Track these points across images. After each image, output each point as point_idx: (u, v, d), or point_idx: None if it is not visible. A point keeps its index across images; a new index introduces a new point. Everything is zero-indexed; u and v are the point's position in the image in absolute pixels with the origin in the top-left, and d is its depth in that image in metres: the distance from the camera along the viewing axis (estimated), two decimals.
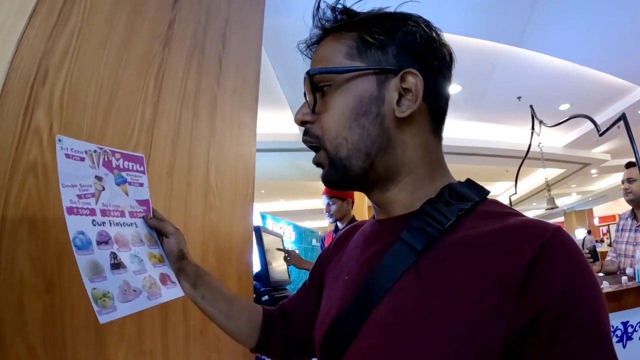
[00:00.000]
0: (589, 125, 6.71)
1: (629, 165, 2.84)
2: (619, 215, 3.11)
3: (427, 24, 0.61)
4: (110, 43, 0.97)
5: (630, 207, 2.90)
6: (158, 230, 0.80)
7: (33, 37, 0.79)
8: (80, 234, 0.64)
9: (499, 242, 0.48)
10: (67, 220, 0.63)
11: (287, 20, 3.42)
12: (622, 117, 2.65)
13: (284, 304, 0.87)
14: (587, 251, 2.95)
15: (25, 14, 0.78)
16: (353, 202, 2.87)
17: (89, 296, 0.60)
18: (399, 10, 0.63)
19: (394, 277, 0.53)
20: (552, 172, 9.44)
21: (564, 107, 6.37)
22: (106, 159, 0.74)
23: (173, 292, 0.76)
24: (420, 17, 0.62)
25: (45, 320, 0.76)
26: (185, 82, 1.26)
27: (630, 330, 2.05)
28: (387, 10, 0.62)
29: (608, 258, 2.98)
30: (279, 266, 2.49)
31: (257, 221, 3.65)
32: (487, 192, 0.59)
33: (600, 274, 2.79)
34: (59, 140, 0.66)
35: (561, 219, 18.02)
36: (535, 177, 10.65)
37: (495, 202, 0.58)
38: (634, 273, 2.54)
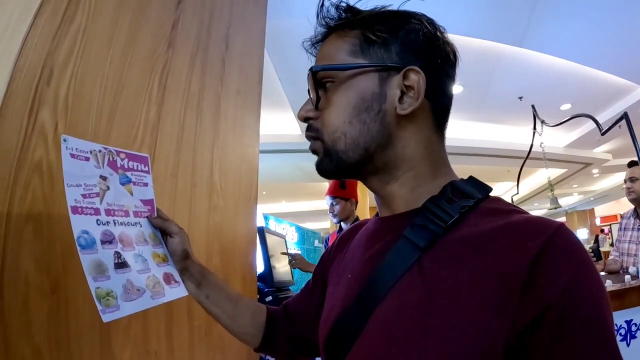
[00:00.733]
0: (590, 125, 6.71)
1: (632, 164, 2.84)
2: (621, 215, 3.10)
3: (431, 22, 0.61)
4: (115, 43, 0.97)
5: (632, 206, 2.89)
6: (162, 230, 0.80)
7: (38, 37, 0.78)
8: (85, 233, 0.65)
9: (502, 239, 0.48)
10: (72, 220, 0.63)
11: (289, 22, 3.42)
12: (624, 117, 2.65)
13: (287, 304, 0.87)
14: (591, 250, 2.94)
15: (30, 14, 0.78)
16: (357, 202, 2.87)
17: (93, 295, 0.60)
18: (402, 8, 0.63)
19: (396, 275, 0.53)
20: (553, 172, 9.43)
21: (566, 106, 6.36)
22: (111, 158, 0.74)
23: (177, 291, 0.76)
24: (423, 15, 0.62)
25: (50, 320, 0.76)
26: (189, 82, 1.25)
27: (634, 328, 2.05)
28: (390, 8, 0.62)
29: (611, 257, 2.97)
30: (282, 267, 2.49)
31: (260, 222, 3.65)
32: (490, 190, 0.59)
33: (603, 273, 2.79)
34: (64, 140, 0.66)
35: (563, 219, 17.97)
36: (537, 177, 10.64)
37: (498, 200, 0.58)
38: (637, 272, 2.54)
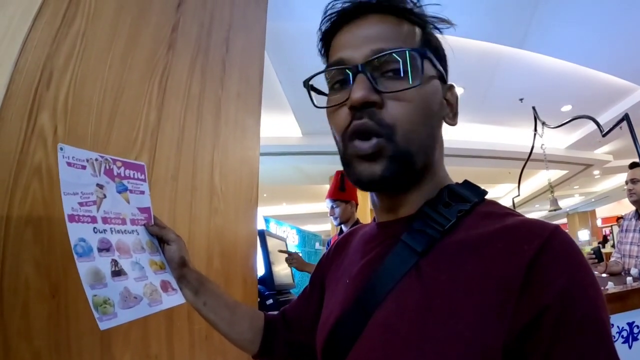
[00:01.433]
0: (591, 127, 6.71)
1: (633, 165, 2.84)
2: (622, 216, 3.10)
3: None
4: (115, 46, 0.97)
5: (633, 208, 2.89)
6: (159, 237, 0.80)
7: (37, 40, 0.78)
8: (82, 241, 0.65)
9: (498, 242, 0.48)
10: (69, 228, 0.63)
11: (289, 24, 3.43)
12: (625, 118, 2.65)
13: (285, 310, 0.87)
14: (592, 252, 2.94)
15: (30, 16, 0.78)
16: (357, 204, 2.86)
17: (90, 303, 0.60)
18: None
19: (395, 279, 0.54)
20: (554, 174, 9.44)
21: (566, 108, 6.37)
22: (107, 167, 0.74)
23: (174, 298, 0.76)
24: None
25: (51, 324, 0.76)
26: (189, 85, 1.25)
27: (635, 330, 2.05)
28: None
29: (612, 259, 2.97)
30: (283, 270, 2.49)
31: (260, 225, 3.65)
32: (485, 193, 0.59)
33: (605, 275, 2.78)
34: (61, 149, 0.66)
35: (564, 220, 17.98)
36: (538, 179, 10.65)
37: (494, 203, 0.58)
38: (639, 273, 2.54)
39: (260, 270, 2.14)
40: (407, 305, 0.50)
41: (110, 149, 0.92)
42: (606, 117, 6.33)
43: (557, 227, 0.47)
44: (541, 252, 0.44)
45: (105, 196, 0.72)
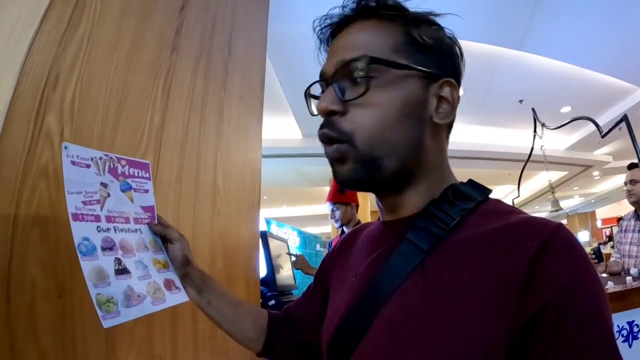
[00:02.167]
0: (590, 128, 6.72)
1: (632, 166, 2.85)
2: (621, 217, 3.11)
3: (455, 38, 0.63)
4: (120, 49, 0.97)
5: (633, 209, 2.90)
6: (163, 236, 0.80)
7: (44, 43, 0.79)
8: (85, 240, 0.65)
9: (501, 239, 0.49)
10: (72, 227, 0.64)
11: (289, 26, 3.44)
12: (624, 119, 2.66)
13: (289, 308, 0.87)
14: (592, 252, 2.95)
15: (36, 19, 0.78)
16: (357, 205, 2.86)
17: (93, 301, 0.61)
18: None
19: (400, 277, 0.54)
20: (554, 175, 9.43)
21: (566, 109, 6.37)
22: (112, 165, 0.74)
23: (177, 297, 0.76)
24: (449, 30, 0.63)
25: (57, 324, 0.76)
26: (192, 87, 1.26)
27: (635, 329, 2.05)
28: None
29: (612, 259, 2.97)
30: (285, 271, 2.49)
31: (262, 226, 3.66)
32: (490, 192, 0.60)
33: (605, 275, 2.79)
34: (65, 148, 0.66)
35: (564, 221, 17.96)
36: (538, 180, 10.64)
37: (498, 201, 0.59)
38: (638, 273, 2.54)
39: (263, 272, 2.14)
40: (412, 303, 0.51)
41: (116, 150, 0.93)
42: (605, 118, 6.33)
43: (559, 224, 0.48)
44: (543, 249, 0.45)
45: (109, 195, 0.72)
